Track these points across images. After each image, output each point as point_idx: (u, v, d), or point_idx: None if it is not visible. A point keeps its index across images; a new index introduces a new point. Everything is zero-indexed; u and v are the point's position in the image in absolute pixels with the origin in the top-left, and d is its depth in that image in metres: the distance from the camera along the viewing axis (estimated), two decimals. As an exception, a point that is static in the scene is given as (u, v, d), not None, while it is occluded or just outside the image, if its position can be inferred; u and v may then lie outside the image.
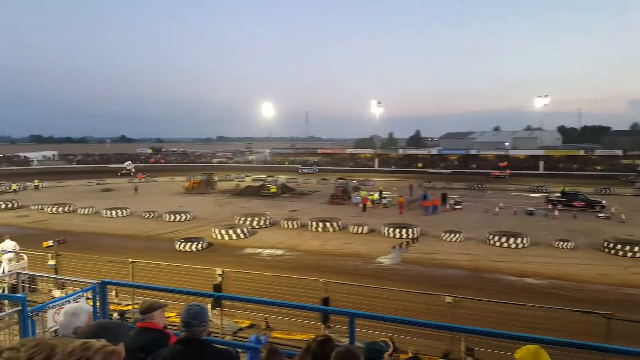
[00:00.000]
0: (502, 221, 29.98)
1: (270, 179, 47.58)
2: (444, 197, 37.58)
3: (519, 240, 23.21)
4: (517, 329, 4.03)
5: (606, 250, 21.91)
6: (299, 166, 75.77)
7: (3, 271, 13.56)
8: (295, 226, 28.09)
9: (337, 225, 27.57)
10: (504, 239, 23.39)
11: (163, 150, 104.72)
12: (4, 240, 14.86)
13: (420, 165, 75.48)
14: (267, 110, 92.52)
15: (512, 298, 13.12)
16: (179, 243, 22.66)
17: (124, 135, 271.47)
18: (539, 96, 76.97)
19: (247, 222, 28.27)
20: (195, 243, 22.74)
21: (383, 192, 39.61)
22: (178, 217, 30.88)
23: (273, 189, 44.07)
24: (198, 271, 14.55)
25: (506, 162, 71.76)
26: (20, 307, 4.65)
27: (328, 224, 27.50)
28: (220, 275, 13.52)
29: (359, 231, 26.54)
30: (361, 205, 35.75)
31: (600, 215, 32.21)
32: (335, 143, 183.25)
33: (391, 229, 25.63)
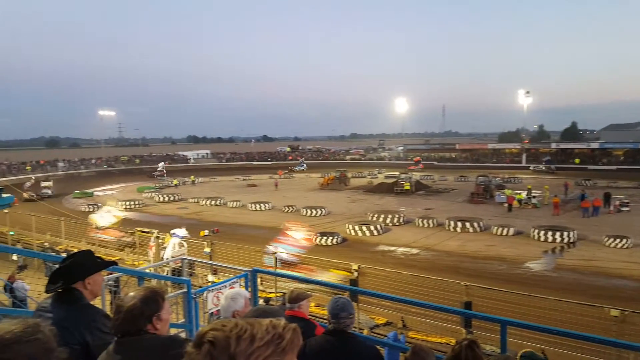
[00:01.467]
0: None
1: (403, 175, 46.76)
2: (607, 197, 32.73)
3: None
4: None
5: None
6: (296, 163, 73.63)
7: (166, 257, 15.42)
8: (431, 225, 27.14)
9: (479, 226, 25.90)
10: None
11: (300, 148, 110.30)
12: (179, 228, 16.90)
13: (577, 161, 67.14)
14: (401, 106, 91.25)
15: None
16: (316, 237, 23.51)
17: (266, 134, 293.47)
18: None
19: (380, 219, 28.20)
20: (331, 238, 23.39)
21: (532, 191, 36.07)
22: (314, 212, 32.15)
23: (406, 186, 43.26)
24: (335, 265, 14.92)
25: (419, 157, 70.35)
26: (185, 289, 5.17)
27: (468, 224, 25.98)
28: (356, 270, 13.67)
29: (504, 233, 24.51)
30: (506, 204, 33.00)
31: None
32: (474, 137, 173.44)
33: (542, 232, 23.17)
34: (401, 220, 28.48)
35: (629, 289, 15.98)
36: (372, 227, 25.69)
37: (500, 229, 24.79)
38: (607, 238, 21.78)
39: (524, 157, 72.42)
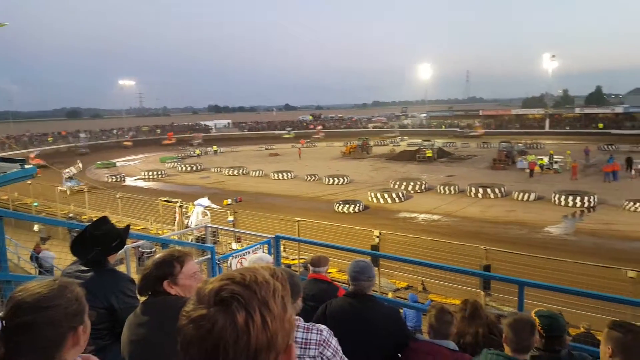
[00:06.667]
0: None
1: (426, 143, 46.36)
2: (629, 162, 32.13)
3: None
4: None
5: None
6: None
7: (191, 224, 15.93)
8: (453, 192, 27.12)
9: (500, 192, 25.79)
10: None
11: (322, 117, 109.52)
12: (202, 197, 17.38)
13: (600, 125, 65.18)
14: (424, 72, 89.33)
15: None
16: (338, 205, 23.82)
17: (288, 103, 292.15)
18: None
19: (402, 187, 28.26)
20: (353, 205, 23.66)
21: (554, 156, 35.51)
22: (336, 180, 32.37)
23: (429, 154, 42.98)
24: (356, 232, 15.19)
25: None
26: (209, 256, 5.46)
27: (489, 190, 25.90)
28: (377, 236, 13.94)
29: (525, 198, 24.46)
30: (528, 170, 32.73)
31: None
32: (499, 103, 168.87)
33: (563, 197, 23.09)
34: (423, 187, 28.51)
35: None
36: (393, 195, 25.83)
37: (521, 194, 24.75)
38: (627, 202, 21.68)
39: (547, 122, 70.65)
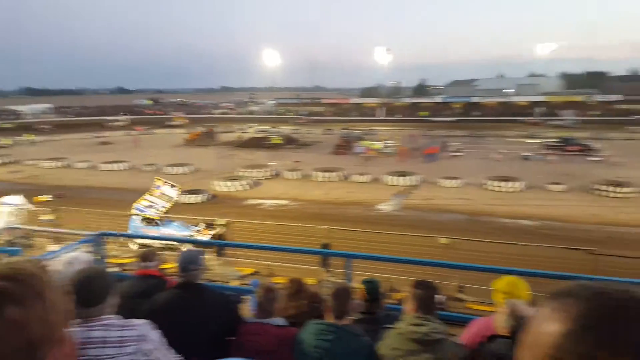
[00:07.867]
0: (500, 167, 30.10)
1: (273, 130, 47.18)
2: (445, 145, 37.74)
3: (514, 184, 23.81)
4: (507, 266, 4.14)
5: (596, 192, 22.57)
6: None
7: None
8: (299, 177, 28.19)
9: (340, 175, 27.70)
10: (500, 184, 23.91)
11: (162, 101, 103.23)
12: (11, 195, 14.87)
13: (426, 113, 74.44)
14: (271, 59, 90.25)
15: (505, 239, 13.41)
16: (182, 195, 22.77)
17: (121, 86, 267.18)
18: (544, 42, 76.43)
19: (251, 174, 28.35)
20: (199, 195, 22.93)
21: (386, 142, 39.54)
22: (179, 169, 30.95)
23: (276, 140, 43.85)
24: (198, 222, 14.76)
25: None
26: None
27: (332, 174, 27.65)
28: (223, 225, 13.76)
29: (362, 180, 26.78)
30: (364, 155, 35.77)
31: (592, 158, 32.60)
32: (340, 92, 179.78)
33: (392, 177, 25.90)
34: (271, 173, 29.03)
35: (458, 221, 19.02)
36: (241, 182, 25.77)
37: (358, 177, 27.11)
38: (442, 180, 25.41)
39: (384, 110, 78.13)
